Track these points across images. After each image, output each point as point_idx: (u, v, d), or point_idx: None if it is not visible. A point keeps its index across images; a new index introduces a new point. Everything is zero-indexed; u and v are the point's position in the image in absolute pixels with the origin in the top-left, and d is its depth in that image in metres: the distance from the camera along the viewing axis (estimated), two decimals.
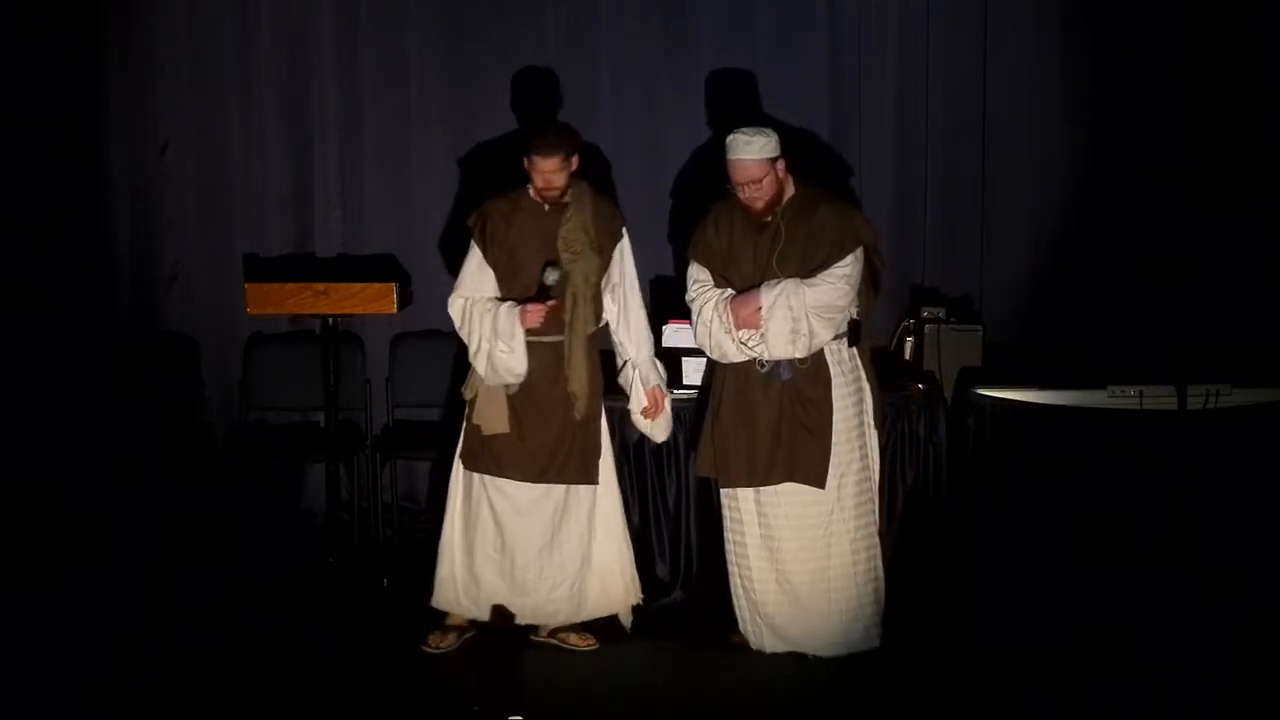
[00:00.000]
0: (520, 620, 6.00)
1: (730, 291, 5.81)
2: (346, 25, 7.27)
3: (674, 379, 6.45)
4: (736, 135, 5.71)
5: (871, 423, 5.92)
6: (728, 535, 5.98)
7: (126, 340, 7.30)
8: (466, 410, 5.95)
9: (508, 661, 5.86)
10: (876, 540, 5.93)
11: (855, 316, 5.84)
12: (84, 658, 5.83)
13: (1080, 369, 6.66)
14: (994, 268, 7.31)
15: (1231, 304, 7.06)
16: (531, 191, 5.88)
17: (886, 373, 6.58)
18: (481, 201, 6.00)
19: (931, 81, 7.26)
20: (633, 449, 6.45)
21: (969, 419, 6.49)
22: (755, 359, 5.76)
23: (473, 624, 6.03)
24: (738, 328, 5.74)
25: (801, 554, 5.82)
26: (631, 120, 7.29)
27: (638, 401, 6.02)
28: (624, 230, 5.99)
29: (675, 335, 6.43)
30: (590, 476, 5.98)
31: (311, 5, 7.27)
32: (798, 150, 5.92)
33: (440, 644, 5.98)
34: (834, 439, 5.77)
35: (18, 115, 7.02)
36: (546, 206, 5.86)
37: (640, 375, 5.99)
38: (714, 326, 5.81)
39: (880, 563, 5.94)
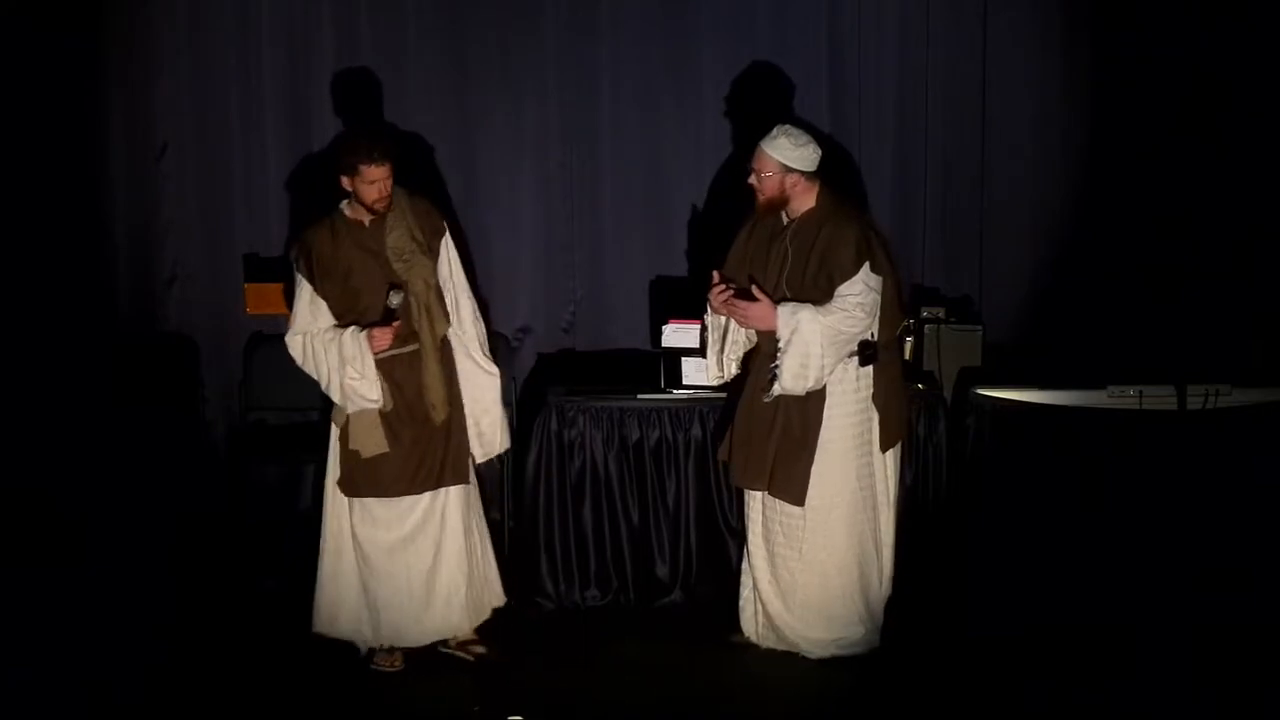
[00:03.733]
0: (423, 640, 5.86)
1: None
2: (346, 26, 7.26)
3: (673, 379, 6.48)
4: (778, 126, 5.74)
5: (877, 445, 5.84)
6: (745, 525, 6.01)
7: (126, 340, 7.29)
8: (335, 435, 5.77)
9: (506, 662, 5.86)
10: (873, 559, 5.87)
11: (871, 338, 5.75)
12: (82, 658, 5.84)
13: (1080, 369, 6.66)
14: (994, 268, 7.31)
15: (1231, 304, 7.05)
16: (348, 209, 5.69)
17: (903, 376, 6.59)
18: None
19: (931, 82, 7.26)
20: (632, 449, 6.45)
21: (969, 419, 6.49)
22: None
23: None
24: (747, 321, 5.72)
25: (788, 561, 5.84)
26: (630, 121, 7.28)
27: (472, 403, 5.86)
28: (444, 223, 5.82)
29: (674, 335, 6.44)
30: (463, 475, 5.81)
31: (311, 6, 7.26)
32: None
33: (392, 663, 5.82)
34: (826, 457, 5.73)
35: (17, 115, 7.01)
36: (366, 222, 5.67)
37: (467, 375, 5.82)
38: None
39: (878, 581, 5.90)
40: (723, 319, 5.87)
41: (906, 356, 6.76)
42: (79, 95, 7.19)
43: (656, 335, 6.67)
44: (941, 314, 6.85)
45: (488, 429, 5.88)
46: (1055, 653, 5.76)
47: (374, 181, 5.55)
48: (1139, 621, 5.94)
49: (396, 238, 5.67)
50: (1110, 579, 6.09)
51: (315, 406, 6.88)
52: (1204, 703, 5.34)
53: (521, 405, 7.07)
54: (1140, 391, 6.27)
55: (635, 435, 6.46)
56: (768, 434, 5.77)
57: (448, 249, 5.80)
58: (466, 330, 5.82)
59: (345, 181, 5.60)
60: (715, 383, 6.06)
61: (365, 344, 5.59)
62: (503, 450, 6.01)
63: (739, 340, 5.91)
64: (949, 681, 5.60)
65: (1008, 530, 6.28)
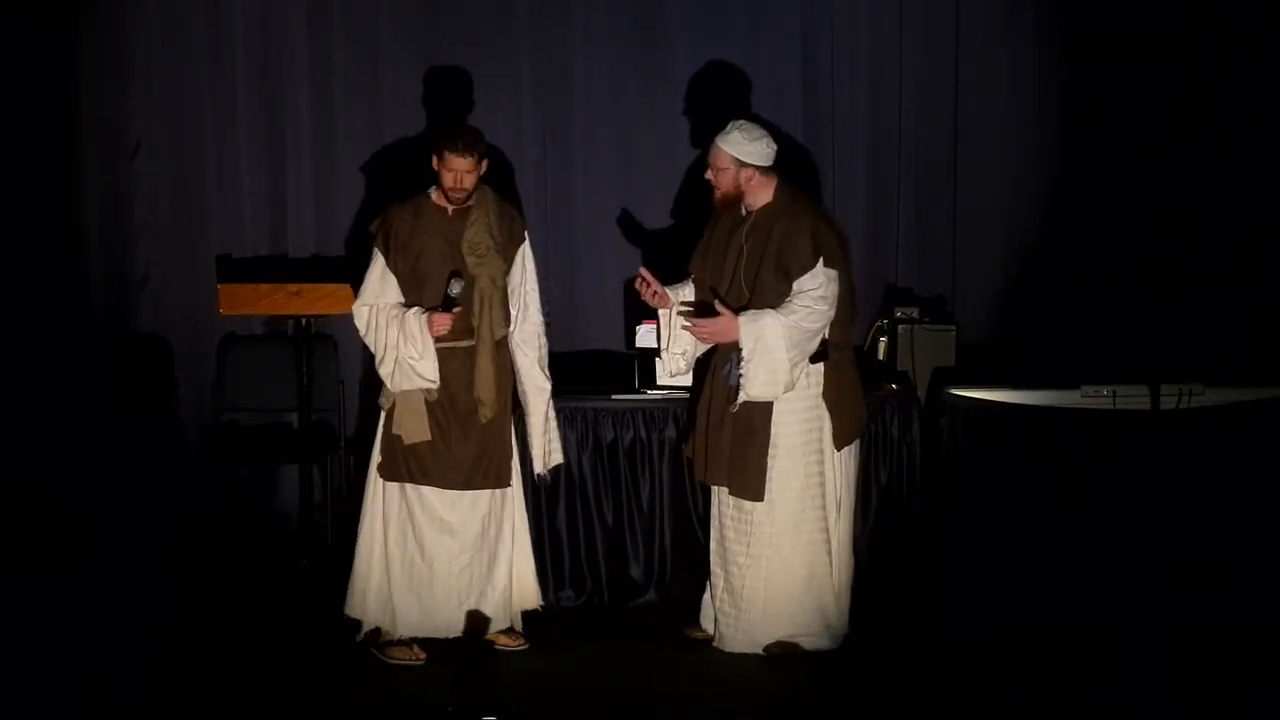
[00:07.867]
0: (451, 634, 5.91)
1: (681, 305, 5.89)
2: (319, 25, 7.24)
3: (648, 379, 6.49)
4: (733, 122, 5.79)
5: (831, 443, 5.82)
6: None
7: (99, 342, 7.26)
8: (383, 420, 5.84)
9: (481, 662, 5.85)
10: (823, 560, 5.83)
11: (824, 337, 5.75)
12: (82, 658, 5.82)
13: (1054, 369, 6.67)
14: (967, 268, 7.31)
15: (1205, 303, 7.07)
16: (434, 196, 5.82)
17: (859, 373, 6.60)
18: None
19: (904, 82, 7.26)
20: (606, 449, 6.46)
21: (942, 419, 6.51)
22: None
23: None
24: (710, 339, 5.74)
25: (737, 558, 5.84)
26: (604, 122, 7.28)
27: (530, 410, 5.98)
28: (525, 234, 5.97)
29: (648, 336, 6.43)
30: (505, 479, 5.91)
31: (284, 6, 7.24)
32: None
33: (414, 656, 5.86)
34: (774, 453, 5.73)
35: None
36: (450, 211, 5.80)
37: (528, 384, 5.96)
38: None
39: (831, 583, 5.85)
40: (666, 314, 5.94)
41: (881, 356, 6.81)
42: (51, 94, 7.16)
43: (631, 336, 6.67)
44: (915, 314, 6.87)
45: (543, 439, 5.98)
46: (1030, 653, 5.76)
47: (454, 170, 5.71)
48: (1113, 621, 5.95)
49: (475, 232, 5.80)
50: (1084, 579, 6.10)
51: (289, 408, 6.88)
52: (1178, 702, 5.35)
53: None
54: (1114, 391, 6.28)
55: (610, 436, 6.46)
56: (722, 431, 5.79)
57: (524, 258, 5.94)
58: (530, 341, 5.94)
59: (434, 163, 5.76)
60: (670, 380, 6.16)
61: (426, 325, 5.68)
62: (558, 462, 6.08)
63: (681, 335, 5.93)
64: (923, 681, 5.60)
65: (982, 530, 6.29)
